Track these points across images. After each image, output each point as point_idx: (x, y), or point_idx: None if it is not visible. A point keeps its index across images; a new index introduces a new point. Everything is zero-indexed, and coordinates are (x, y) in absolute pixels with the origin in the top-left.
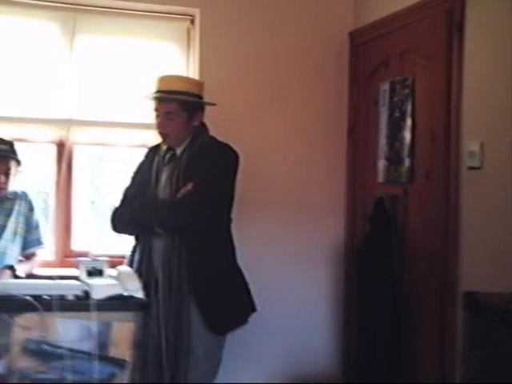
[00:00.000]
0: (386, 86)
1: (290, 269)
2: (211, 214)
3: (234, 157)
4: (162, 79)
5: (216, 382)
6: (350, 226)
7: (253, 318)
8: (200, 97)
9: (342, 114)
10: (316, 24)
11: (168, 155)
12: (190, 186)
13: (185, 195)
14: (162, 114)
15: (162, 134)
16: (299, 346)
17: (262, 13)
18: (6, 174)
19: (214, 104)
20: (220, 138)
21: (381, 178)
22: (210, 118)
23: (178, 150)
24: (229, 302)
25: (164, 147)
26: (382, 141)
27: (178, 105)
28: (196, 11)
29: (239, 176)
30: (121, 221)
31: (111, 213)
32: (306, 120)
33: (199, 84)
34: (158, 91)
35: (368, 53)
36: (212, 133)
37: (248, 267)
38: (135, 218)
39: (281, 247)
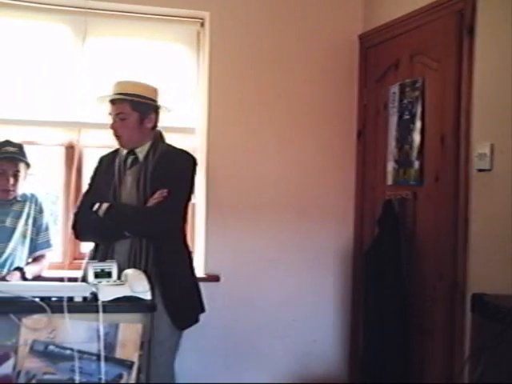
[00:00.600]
0: (395, 89)
1: (299, 271)
2: (180, 219)
3: (194, 162)
4: (118, 84)
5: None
6: (359, 229)
7: (262, 319)
8: (153, 100)
9: (352, 116)
10: (326, 26)
11: (130, 159)
12: (163, 194)
13: (160, 203)
14: (114, 116)
15: (116, 135)
16: (307, 348)
17: (272, 15)
18: (15, 176)
19: (169, 110)
20: (230, 139)
21: (390, 180)
22: (221, 118)
23: (140, 155)
24: (190, 298)
25: (124, 152)
26: (392, 143)
27: (129, 105)
28: (206, 14)
29: (249, 178)
30: (87, 229)
31: (73, 220)
32: (315, 122)
33: (152, 89)
34: (114, 94)
35: (378, 55)
36: (221, 134)
37: (258, 270)
38: (110, 226)
39: (290, 250)
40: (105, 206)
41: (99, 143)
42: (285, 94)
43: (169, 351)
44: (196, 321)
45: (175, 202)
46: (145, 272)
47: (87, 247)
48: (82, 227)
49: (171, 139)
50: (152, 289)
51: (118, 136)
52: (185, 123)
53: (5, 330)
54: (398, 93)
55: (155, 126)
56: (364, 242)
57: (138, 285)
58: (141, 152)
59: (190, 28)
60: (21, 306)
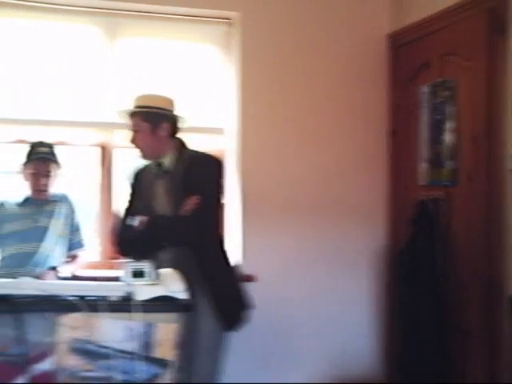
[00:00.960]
0: (426, 88)
1: (334, 271)
2: (214, 223)
3: (220, 165)
4: (135, 98)
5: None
6: (392, 229)
7: (297, 319)
8: (164, 109)
9: (382, 116)
10: (354, 26)
11: (158, 171)
12: (195, 200)
13: (194, 210)
14: (131, 130)
15: (136, 148)
16: (342, 348)
17: (301, 15)
18: (47, 176)
19: (185, 120)
20: (263, 140)
21: (422, 180)
22: (252, 119)
23: (167, 165)
24: (237, 300)
25: (152, 164)
26: (423, 143)
27: (140, 117)
28: (234, 14)
29: (283, 179)
30: (130, 246)
31: (117, 238)
32: (345, 122)
33: (166, 99)
34: (128, 110)
35: (408, 55)
36: (253, 135)
37: (293, 270)
38: (151, 241)
39: (324, 250)
40: (144, 219)
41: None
42: (314, 93)
43: (218, 355)
44: (244, 323)
45: (207, 206)
46: (189, 277)
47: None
48: (125, 244)
49: (199, 140)
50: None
51: (136, 149)
52: (213, 124)
53: (44, 327)
54: (430, 92)
55: (173, 134)
56: (398, 241)
57: (173, 284)
58: (167, 162)
59: (219, 28)
60: (59, 305)
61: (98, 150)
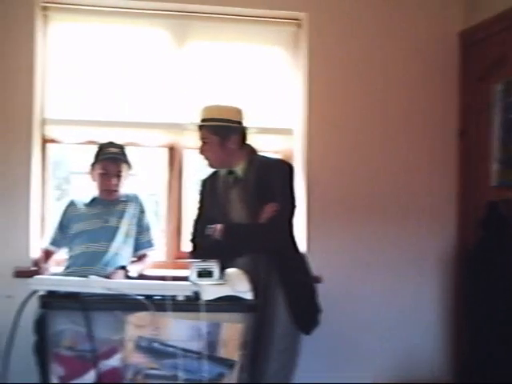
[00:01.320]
0: (500, 87)
1: (400, 273)
2: (291, 228)
3: (291, 170)
4: (203, 109)
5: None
6: (461, 231)
7: (363, 320)
8: (239, 123)
9: (451, 115)
10: (424, 25)
11: (231, 178)
12: (273, 208)
13: (272, 218)
14: (200, 141)
15: (205, 159)
16: (409, 350)
17: (369, 15)
18: (118, 176)
19: (255, 130)
20: (329, 140)
21: (494, 181)
22: (319, 119)
23: (239, 173)
24: (312, 301)
25: (224, 172)
26: (495, 143)
27: (208, 130)
28: (303, 15)
29: (349, 180)
30: (206, 253)
31: (191, 246)
32: (414, 122)
33: (235, 110)
34: (197, 121)
35: (480, 52)
36: (320, 135)
37: (359, 271)
38: (227, 246)
39: (390, 251)
40: (220, 227)
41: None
42: (383, 93)
43: (292, 357)
44: (319, 323)
45: (284, 213)
46: (266, 284)
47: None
48: (200, 252)
49: (268, 140)
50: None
51: (205, 159)
52: (282, 124)
53: (112, 325)
54: (503, 91)
55: (243, 144)
56: (466, 243)
57: (239, 285)
58: (239, 170)
59: (287, 29)
60: (126, 304)
61: (168, 151)
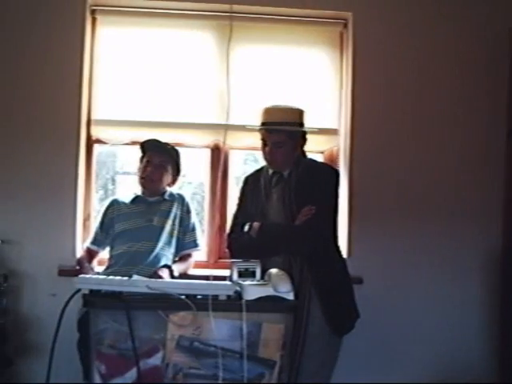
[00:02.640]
0: None
1: (444, 274)
2: (330, 232)
3: (337, 175)
4: (267, 110)
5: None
6: (508, 230)
7: (405, 323)
8: (302, 124)
9: (501, 114)
10: (474, 21)
11: (275, 178)
12: (311, 210)
13: (310, 220)
14: (270, 144)
15: (270, 161)
16: (453, 354)
17: (417, 12)
18: (160, 167)
19: (315, 129)
20: (374, 141)
21: None
22: (365, 119)
23: (285, 173)
24: (347, 304)
25: (269, 171)
26: None
27: (286, 135)
28: (349, 15)
29: (393, 180)
30: (241, 249)
31: (227, 241)
32: (461, 120)
33: (301, 113)
34: (266, 122)
35: None
36: (365, 135)
37: (401, 273)
38: (262, 247)
39: (434, 253)
40: (256, 225)
41: (244, 145)
42: (429, 92)
43: (327, 362)
44: (353, 327)
45: (323, 217)
46: (299, 285)
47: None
48: (236, 248)
49: (313, 141)
50: (309, 300)
51: (271, 161)
52: (327, 124)
53: (153, 324)
54: None
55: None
56: None
57: (281, 285)
58: (285, 170)
59: (333, 29)
60: (168, 303)
61: (213, 152)
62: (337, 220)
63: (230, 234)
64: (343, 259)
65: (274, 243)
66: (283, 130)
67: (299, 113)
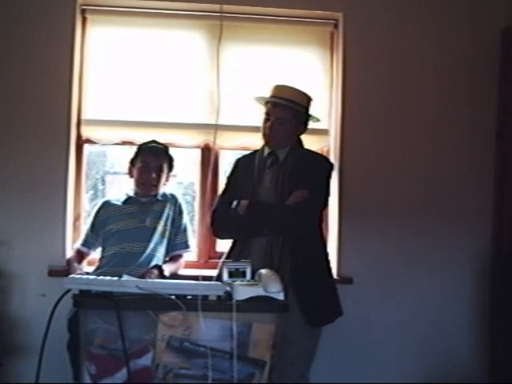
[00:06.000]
0: None
1: (434, 274)
2: (316, 221)
3: (331, 168)
4: (277, 87)
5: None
6: (498, 232)
7: (395, 322)
8: (308, 110)
9: (491, 114)
10: (465, 22)
11: (270, 160)
12: (304, 194)
13: (301, 202)
14: (274, 118)
15: (269, 136)
16: (443, 354)
17: (407, 13)
18: (158, 171)
19: (318, 120)
20: (364, 141)
21: None
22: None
23: (281, 156)
24: (325, 296)
25: (265, 153)
26: None
27: (291, 113)
28: (339, 15)
29: (383, 180)
30: (225, 226)
31: (211, 217)
32: (451, 122)
33: (309, 99)
34: (275, 97)
35: None
36: (355, 136)
37: (391, 272)
38: (248, 222)
39: (424, 252)
40: (244, 203)
41: (234, 145)
42: (421, 93)
43: (304, 352)
44: (330, 321)
45: (314, 203)
46: (277, 269)
47: (222, 247)
48: (220, 224)
49: (304, 140)
50: (285, 286)
51: (270, 136)
52: (318, 125)
53: (144, 324)
54: None
55: (303, 131)
56: (503, 244)
57: (271, 285)
58: (281, 153)
59: (323, 29)
60: (158, 303)
61: (203, 152)
62: (323, 213)
63: (214, 211)
64: (327, 254)
65: (261, 221)
66: (290, 107)
67: (308, 98)
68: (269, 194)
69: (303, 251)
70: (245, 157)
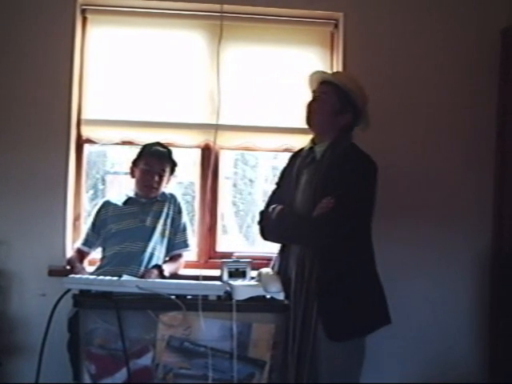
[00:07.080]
0: None
1: (434, 274)
2: (351, 230)
3: (374, 169)
4: (336, 72)
5: None
6: (498, 232)
7: (394, 322)
8: (355, 104)
9: (491, 114)
10: (465, 22)
11: (309, 158)
12: (329, 203)
13: (324, 214)
14: (318, 94)
15: (307, 115)
16: (442, 354)
17: (408, 13)
18: (160, 175)
19: (367, 126)
20: (367, 140)
21: None
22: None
23: (318, 153)
24: (352, 310)
25: (306, 149)
26: None
27: (336, 93)
28: (339, 15)
29: (385, 180)
30: (267, 229)
31: (259, 217)
32: (453, 122)
33: (364, 95)
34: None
35: None
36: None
37: (391, 272)
38: (278, 232)
39: (424, 252)
40: (278, 209)
41: (234, 145)
42: (421, 93)
43: (343, 365)
44: (354, 336)
45: (342, 213)
46: (308, 279)
47: (222, 247)
48: (264, 226)
49: (303, 140)
50: (308, 290)
51: (308, 117)
52: None
53: (144, 324)
54: None
55: (348, 128)
56: (503, 245)
57: (271, 285)
58: (319, 150)
59: (324, 29)
60: (158, 303)
61: (203, 152)
62: (369, 222)
63: (261, 212)
64: (365, 266)
65: (287, 231)
66: (335, 84)
67: (361, 93)
68: (304, 197)
69: (333, 262)
70: (296, 152)
